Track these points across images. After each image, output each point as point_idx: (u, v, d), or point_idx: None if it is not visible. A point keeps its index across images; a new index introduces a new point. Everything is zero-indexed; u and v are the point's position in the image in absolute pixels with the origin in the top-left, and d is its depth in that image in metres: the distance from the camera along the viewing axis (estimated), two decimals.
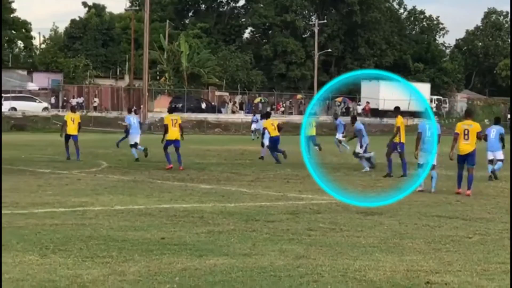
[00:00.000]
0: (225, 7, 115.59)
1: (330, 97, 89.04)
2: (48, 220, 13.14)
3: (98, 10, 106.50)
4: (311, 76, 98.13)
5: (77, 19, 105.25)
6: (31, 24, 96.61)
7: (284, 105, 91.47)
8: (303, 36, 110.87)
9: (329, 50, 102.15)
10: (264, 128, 30.87)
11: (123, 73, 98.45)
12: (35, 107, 73.44)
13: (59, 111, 75.72)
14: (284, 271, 9.29)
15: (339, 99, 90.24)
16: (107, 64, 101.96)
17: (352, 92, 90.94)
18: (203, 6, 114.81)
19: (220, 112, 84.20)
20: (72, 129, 29.63)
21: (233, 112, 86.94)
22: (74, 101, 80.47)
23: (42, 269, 9.20)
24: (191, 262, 9.83)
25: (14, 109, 71.43)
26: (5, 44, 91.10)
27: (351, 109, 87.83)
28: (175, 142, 25.67)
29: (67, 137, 29.63)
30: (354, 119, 27.87)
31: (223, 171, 25.28)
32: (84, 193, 17.72)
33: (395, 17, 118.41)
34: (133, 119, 30.30)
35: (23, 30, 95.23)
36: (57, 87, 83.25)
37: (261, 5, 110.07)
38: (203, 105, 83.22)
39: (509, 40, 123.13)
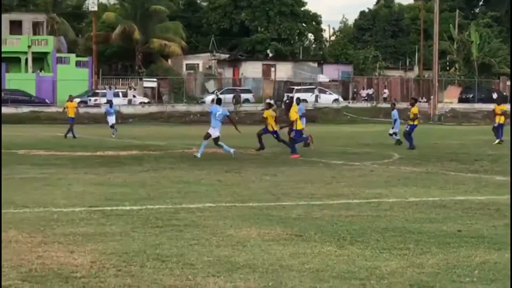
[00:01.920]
0: None
1: None
2: (344, 212, 13.28)
3: (387, 1, 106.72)
4: None
5: (366, 10, 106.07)
6: (321, 17, 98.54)
7: None
8: None
9: None
10: None
11: (412, 64, 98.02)
12: (326, 99, 75.00)
13: (349, 102, 76.84)
14: None
15: None
16: (396, 55, 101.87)
17: None
18: None
19: None
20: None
21: None
22: (364, 93, 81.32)
23: (340, 260, 9.29)
24: (490, 255, 9.54)
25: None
26: (296, 37, 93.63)
27: None
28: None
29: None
30: None
31: None
32: (377, 184, 17.74)
33: None
34: None
35: (313, 23, 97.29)
36: (347, 78, 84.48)
37: None
38: (494, 95, 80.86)
39: None
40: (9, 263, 8.77)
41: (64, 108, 38.49)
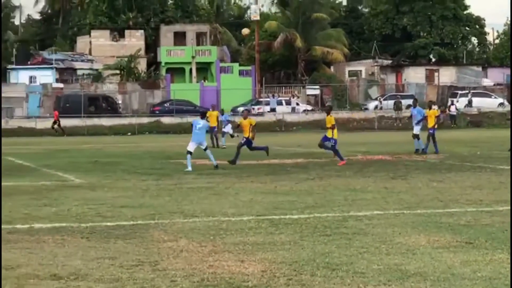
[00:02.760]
0: None
1: None
2: None
3: None
4: None
5: None
6: (484, 20, 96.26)
7: None
8: None
9: None
10: None
11: None
12: (490, 103, 73.10)
13: None
14: None
15: None
16: None
17: None
18: None
19: None
20: None
21: None
22: None
23: None
24: None
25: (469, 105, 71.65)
26: (459, 41, 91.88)
27: None
28: None
29: None
30: None
31: None
32: None
33: None
34: None
35: (477, 26, 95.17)
36: None
37: None
38: None
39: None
40: (181, 273, 8.94)
41: (207, 117, 38.94)
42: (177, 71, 78.09)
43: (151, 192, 17.63)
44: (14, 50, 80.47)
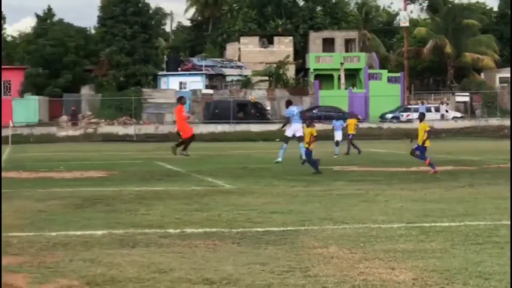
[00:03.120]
0: None
1: None
2: None
3: None
4: None
5: None
6: None
7: None
8: None
9: None
10: None
11: None
12: None
13: None
14: None
15: None
16: None
17: None
18: None
19: None
20: None
21: None
22: None
23: None
24: None
25: None
26: None
27: None
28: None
29: None
30: None
31: None
32: None
33: None
34: None
35: None
36: None
37: None
38: None
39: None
40: (332, 279, 8.96)
41: (346, 124, 39.09)
42: (325, 78, 78.31)
43: (301, 199, 17.73)
44: (164, 56, 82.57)
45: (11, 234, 12.37)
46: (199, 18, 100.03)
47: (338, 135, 37.63)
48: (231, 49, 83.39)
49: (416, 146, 25.77)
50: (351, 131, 38.58)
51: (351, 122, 39.37)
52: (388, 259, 10.17)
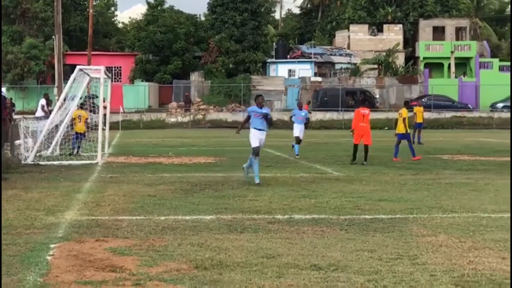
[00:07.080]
0: None
1: None
2: None
3: None
4: None
5: None
6: None
7: None
8: None
9: None
10: None
11: None
12: None
13: None
14: None
15: None
16: None
17: None
18: None
19: None
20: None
21: None
22: None
23: None
24: None
25: None
26: None
27: None
28: None
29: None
30: None
31: None
32: None
33: None
34: None
35: None
36: None
37: None
38: None
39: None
40: (441, 267, 8.90)
41: (414, 113, 37.97)
42: (435, 66, 77.17)
43: (409, 187, 17.61)
44: (274, 44, 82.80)
45: (121, 218, 12.70)
46: (309, 5, 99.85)
47: (298, 130, 29.29)
48: (340, 37, 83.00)
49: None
50: (420, 119, 37.50)
51: (418, 110, 38.25)
52: (498, 248, 10.04)
